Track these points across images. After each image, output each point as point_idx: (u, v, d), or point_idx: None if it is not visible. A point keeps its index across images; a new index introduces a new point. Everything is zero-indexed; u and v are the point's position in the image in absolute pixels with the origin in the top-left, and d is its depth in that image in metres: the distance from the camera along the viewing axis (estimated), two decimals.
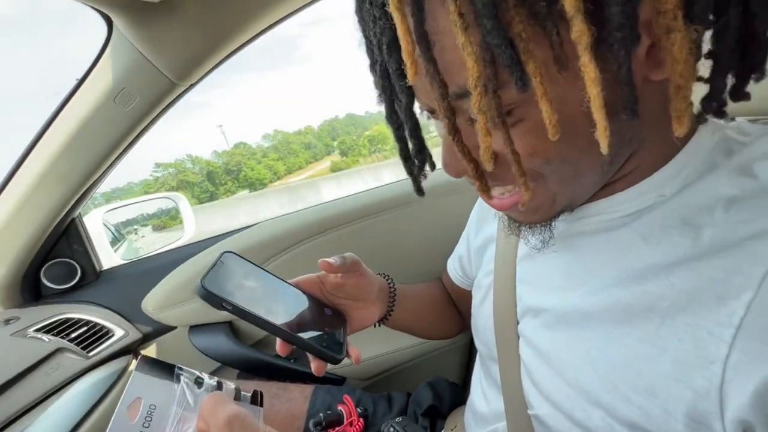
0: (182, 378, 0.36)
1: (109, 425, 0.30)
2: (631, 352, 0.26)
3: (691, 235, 0.26)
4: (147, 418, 0.32)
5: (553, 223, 0.32)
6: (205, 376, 0.38)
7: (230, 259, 0.42)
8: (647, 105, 0.22)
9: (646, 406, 0.25)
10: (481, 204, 0.54)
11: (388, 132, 0.30)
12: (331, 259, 0.44)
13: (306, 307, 0.43)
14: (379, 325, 0.53)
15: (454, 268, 0.62)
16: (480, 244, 0.50)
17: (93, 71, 0.57)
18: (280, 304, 0.41)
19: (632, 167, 0.29)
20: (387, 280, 0.55)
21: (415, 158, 0.30)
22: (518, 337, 0.37)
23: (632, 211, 0.29)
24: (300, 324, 0.40)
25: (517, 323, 0.38)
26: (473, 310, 0.48)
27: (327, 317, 0.44)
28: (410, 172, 0.31)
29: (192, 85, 0.62)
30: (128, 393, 0.32)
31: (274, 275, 0.44)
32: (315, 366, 0.40)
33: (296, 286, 0.45)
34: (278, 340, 0.39)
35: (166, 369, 0.36)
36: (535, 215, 0.31)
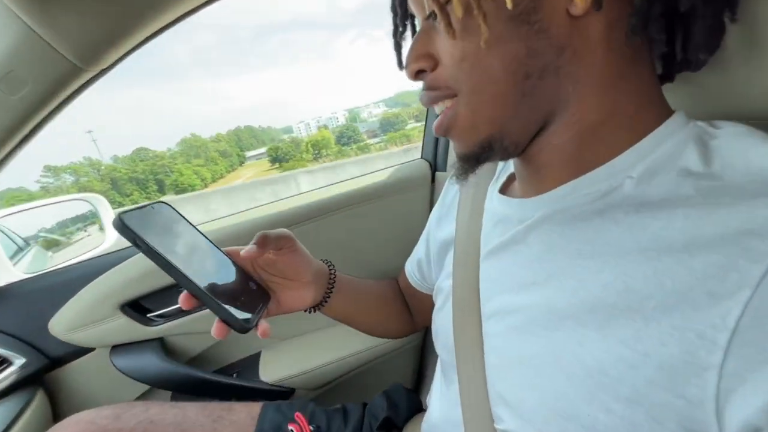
0: None
1: None
2: (610, 357, 0.24)
3: (664, 216, 0.25)
4: None
5: (485, 160, 0.32)
6: None
7: (163, 209, 0.40)
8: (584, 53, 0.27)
9: (630, 415, 0.23)
10: (440, 205, 0.52)
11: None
12: (256, 238, 0.43)
13: (229, 274, 0.42)
14: (314, 311, 0.51)
15: (412, 271, 0.60)
16: (440, 246, 0.49)
17: None
18: (202, 263, 0.39)
19: (586, 139, 0.29)
20: (329, 265, 0.53)
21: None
22: (482, 341, 0.35)
23: (601, 193, 0.28)
24: (215, 286, 0.38)
25: (481, 325, 0.36)
26: (434, 315, 0.46)
27: (249, 290, 0.42)
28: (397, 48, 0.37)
29: (104, 71, 0.52)
30: None
31: (208, 238, 0.42)
32: (216, 328, 0.38)
33: (227, 254, 0.43)
34: (183, 293, 0.37)
35: None
36: (466, 142, 0.32)
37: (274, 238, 0.44)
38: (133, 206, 0.37)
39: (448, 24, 0.27)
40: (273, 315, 0.45)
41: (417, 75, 0.32)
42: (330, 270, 0.52)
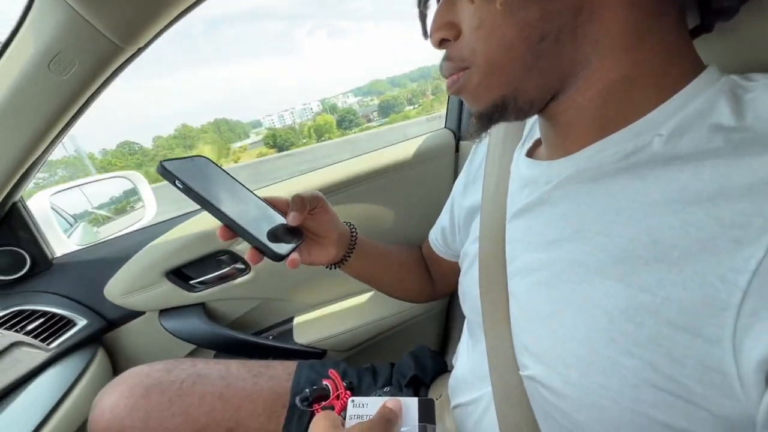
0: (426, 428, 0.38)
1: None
2: (632, 304, 0.25)
3: (692, 168, 0.25)
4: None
5: (499, 118, 0.33)
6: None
7: (203, 161, 0.44)
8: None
9: (650, 357, 0.24)
10: (466, 173, 0.53)
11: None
12: (295, 203, 0.47)
13: (265, 215, 0.45)
14: (334, 268, 0.57)
15: (435, 239, 0.62)
16: (467, 213, 0.50)
17: (19, 33, 0.49)
18: (239, 204, 0.43)
19: (607, 98, 0.29)
20: (351, 228, 0.58)
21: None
22: (508, 299, 0.37)
23: (627, 152, 0.28)
24: (251, 221, 0.42)
25: (507, 284, 0.37)
26: (461, 279, 0.48)
27: (284, 229, 0.46)
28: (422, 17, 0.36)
29: (141, 49, 0.55)
30: (405, 401, 0.39)
31: (245, 186, 0.47)
32: (249, 254, 0.43)
33: (265, 200, 0.48)
34: (221, 226, 0.41)
35: (432, 417, 0.39)
36: (479, 101, 0.32)
37: (309, 199, 0.49)
38: (175, 157, 0.40)
39: None
40: (302, 262, 0.49)
41: (441, 44, 0.33)
42: (352, 232, 0.58)
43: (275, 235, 0.43)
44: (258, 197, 0.47)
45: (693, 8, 0.31)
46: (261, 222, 0.43)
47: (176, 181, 0.37)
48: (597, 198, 0.30)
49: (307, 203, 0.48)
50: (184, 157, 0.42)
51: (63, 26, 0.47)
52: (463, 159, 0.87)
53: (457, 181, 0.57)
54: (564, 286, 0.30)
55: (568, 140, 0.33)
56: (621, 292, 0.26)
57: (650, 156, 0.27)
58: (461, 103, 0.88)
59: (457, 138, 0.89)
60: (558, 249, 0.32)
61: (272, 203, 0.48)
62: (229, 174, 0.46)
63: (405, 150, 0.85)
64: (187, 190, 0.38)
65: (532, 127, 0.44)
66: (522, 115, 0.33)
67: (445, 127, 0.92)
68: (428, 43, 0.34)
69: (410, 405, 0.39)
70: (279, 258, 0.42)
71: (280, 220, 0.46)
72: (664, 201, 0.25)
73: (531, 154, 0.41)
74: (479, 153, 0.51)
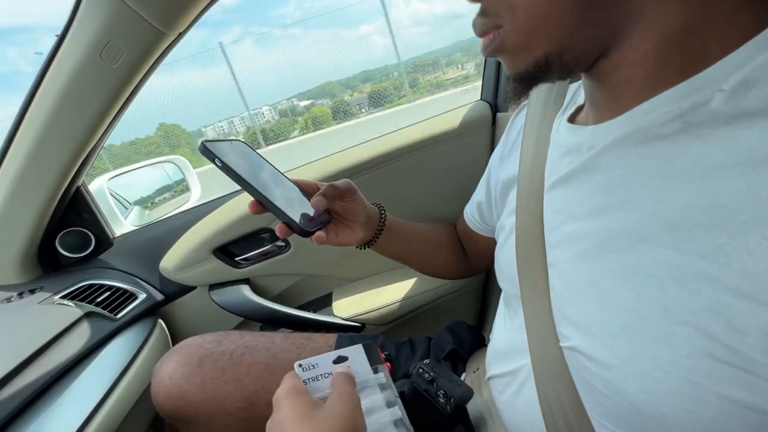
0: (379, 375, 0.41)
1: (318, 356, 0.39)
2: (687, 273, 0.24)
3: (759, 125, 0.22)
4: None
5: (541, 79, 0.30)
6: (389, 389, 0.42)
7: (240, 144, 0.47)
8: None
9: (707, 325, 0.23)
10: (503, 145, 0.52)
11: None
12: (326, 189, 0.49)
13: (296, 196, 0.48)
14: (365, 248, 0.58)
15: (472, 215, 0.61)
16: (503, 185, 0.49)
17: (72, 26, 0.52)
18: (271, 183, 0.46)
19: (665, 52, 0.26)
20: (380, 210, 0.59)
21: None
22: (546, 270, 0.36)
23: (683, 110, 0.25)
24: (283, 200, 0.44)
25: (545, 255, 0.36)
26: (497, 252, 0.48)
27: (313, 210, 0.48)
28: None
29: (181, 34, 0.57)
30: (345, 350, 0.40)
31: (278, 169, 0.50)
32: (279, 227, 0.45)
33: (296, 183, 0.50)
34: (251, 200, 0.43)
35: (377, 360, 0.42)
36: (519, 61, 0.29)
37: (342, 189, 0.50)
38: (215, 138, 0.44)
39: None
40: (329, 243, 0.51)
41: None
42: (381, 213, 0.58)
43: (304, 214, 0.45)
44: (289, 179, 0.50)
45: None
46: (291, 201, 0.46)
47: (216, 159, 0.40)
48: (647, 162, 0.27)
49: (337, 194, 0.50)
50: (224, 139, 0.45)
51: (111, 16, 0.50)
52: (500, 132, 0.84)
53: (493, 154, 0.55)
54: (610, 256, 0.29)
55: (617, 100, 0.30)
56: (675, 259, 0.25)
57: (710, 114, 0.24)
58: (498, 74, 0.84)
59: (494, 110, 0.86)
60: (603, 218, 0.30)
61: (302, 186, 0.51)
62: (263, 157, 0.49)
63: (439, 124, 0.84)
64: (225, 168, 0.40)
65: (576, 92, 0.41)
66: (566, 73, 0.30)
67: (481, 98, 0.89)
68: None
69: (357, 356, 0.40)
70: (305, 233, 0.44)
71: (308, 202, 0.49)
72: (730, 162, 0.23)
73: (573, 120, 0.38)
74: (517, 123, 0.49)
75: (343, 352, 0.40)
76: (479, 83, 0.92)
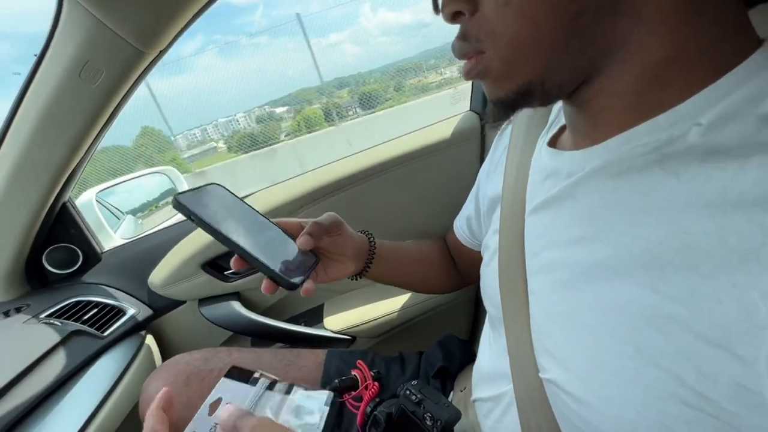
0: (258, 383, 0.40)
1: (192, 420, 0.35)
2: (659, 314, 0.23)
3: (734, 166, 0.22)
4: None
5: (523, 105, 0.30)
6: (278, 381, 0.41)
7: (216, 189, 0.44)
8: None
9: (677, 369, 0.22)
10: (490, 160, 0.51)
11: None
12: (311, 228, 0.47)
13: (279, 241, 0.45)
14: (357, 279, 0.57)
15: (461, 228, 0.60)
16: (489, 202, 0.48)
17: (50, 46, 0.52)
18: (252, 231, 0.43)
19: (650, 83, 0.25)
20: (368, 237, 0.57)
21: None
22: (527, 296, 0.35)
23: (660, 143, 0.25)
24: (265, 250, 0.42)
25: (527, 281, 0.36)
26: (481, 271, 0.47)
27: (298, 254, 0.45)
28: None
29: (162, 52, 0.56)
30: (212, 394, 0.37)
31: (258, 212, 0.46)
32: (265, 284, 0.42)
33: (278, 225, 0.47)
34: (234, 256, 0.41)
35: (248, 375, 0.40)
36: (500, 88, 0.29)
37: (327, 225, 0.48)
38: (188, 189, 0.41)
39: None
40: (320, 282, 0.49)
41: (454, 18, 0.29)
42: (370, 241, 0.56)
43: (289, 261, 0.43)
44: (271, 222, 0.47)
45: None
46: (275, 249, 0.43)
47: (191, 215, 0.38)
48: (623, 195, 0.27)
49: (323, 230, 0.47)
50: (198, 188, 0.42)
51: (89, 36, 0.49)
52: (489, 143, 0.84)
53: (482, 168, 0.55)
54: (586, 288, 0.28)
55: (597, 128, 0.30)
56: (647, 299, 0.24)
57: (685, 149, 0.24)
58: None
59: (483, 120, 0.85)
60: (581, 248, 0.30)
61: (285, 228, 0.48)
62: (242, 200, 0.46)
63: (427, 136, 0.83)
64: (202, 223, 0.38)
65: (559, 112, 0.41)
66: (548, 101, 0.30)
67: (470, 109, 0.89)
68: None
69: (227, 386, 0.38)
70: (292, 287, 0.41)
71: (293, 245, 0.46)
72: (701, 202, 0.23)
73: (554, 142, 0.38)
74: (504, 138, 0.49)
75: (214, 394, 0.38)
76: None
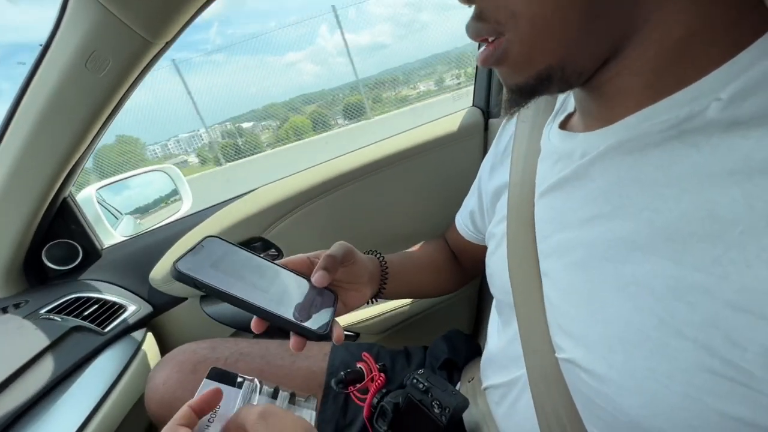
0: (244, 385, 0.39)
1: None
2: (683, 284, 0.23)
3: (757, 134, 0.22)
4: (211, 416, 0.35)
5: (541, 92, 0.29)
6: (265, 385, 0.40)
7: (212, 243, 0.40)
8: None
9: (704, 338, 0.22)
10: (493, 153, 0.51)
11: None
12: (325, 262, 0.43)
13: (293, 286, 0.42)
14: (374, 302, 0.55)
15: (464, 224, 0.60)
16: (493, 193, 0.48)
17: (57, 36, 0.51)
18: (263, 283, 0.39)
19: (668, 59, 0.25)
20: (378, 258, 0.56)
21: None
22: (540, 279, 0.35)
23: (680, 119, 0.25)
24: (282, 301, 0.39)
25: (538, 264, 0.36)
26: (487, 260, 0.47)
27: (316, 296, 0.42)
28: None
29: (168, 43, 0.56)
30: (196, 396, 0.35)
31: (260, 256, 0.43)
32: (293, 341, 0.39)
33: (284, 266, 0.44)
34: (254, 319, 0.39)
35: (231, 378, 0.39)
36: (520, 73, 0.29)
37: (339, 256, 0.45)
38: (184, 252, 0.37)
39: None
40: (340, 315, 0.46)
41: None
42: (382, 264, 0.55)
43: (308, 306, 0.40)
44: (277, 265, 0.43)
45: None
46: (290, 297, 0.40)
47: (197, 284, 0.35)
48: (643, 170, 0.27)
49: (337, 262, 0.44)
50: (194, 247, 0.38)
51: (96, 25, 0.49)
52: (492, 138, 0.84)
53: (483, 162, 0.55)
54: (605, 266, 0.28)
55: (612, 108, 0.29)
56: (670, 270, 0.24)
57: (706, 123, 0.24)
58: (489, 79, 0.85)
59: (486, 116, 0.86)
60: (597, 226, 0.30)
61: (293, 267, 0.44)
62: (241, 247, 0.43)
63: (430, 131, 0.83)
64: (211, 291, 0.35)
65: (566, 99, 0.41)
66: (567, 86, 0.29)
67: (472, 105, 0.89)
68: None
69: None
70: (322, 338, 0.38)
71: (304, 284, 0.43)
72: (725, 171, 0.23)
73: (564, 126, 0.38)
74: (507, 131, 0.49)
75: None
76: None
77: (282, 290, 0.40)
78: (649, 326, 0.25)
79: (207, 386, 0.37)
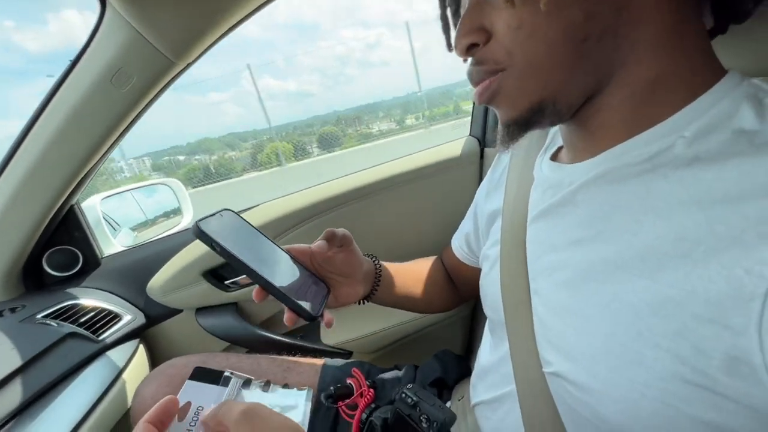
0: (230, 382, 0.39)
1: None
2: (658, 299, 0.26)
3: (716, 168, 0.25)
4: (194, 419, 0.34)
5: (534, 124, 0.32)
6: (253, 379, 0.41)
7: (229, 215, 0.44)
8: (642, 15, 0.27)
9: (676, 348, 0.24)
10: (489, 180, 0.55)
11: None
12: (325, 234, 0.48)
13: (293, 271, 0.46)
14: (364, 303, 0.57)
15: (459, 246, 0.62)
16: (488, 217, 0.51)
17: (87, 52, 0.55)
18: (268, 260, 0.43)
19: (643, 99, 0.29)
20: (373, 260, 0.58)
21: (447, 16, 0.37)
22: (530, 296, 0.37)
23: (651, 154, 0.29)
24: (285, 282, 0.42)
25: (528, 283, 0.38)
26: (481, 281, 0.49)
27: (311, 284, 0.46)
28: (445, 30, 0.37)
29: (189, 64, 0.60)
30: (180, 398, 0.34)
31: (268, 238, 0.47)
32: (287, 317, 0.43)
33: (287, 252, 0.48)
34: (256, 287, 0.42)
35: (216, 375, 0.39)
36: (514, 106, 0.32)
37: (339, 235, 0.50)
38: (206, 215, 0.40)
39: None
40: (331, 308, 0.50)
41: (469, 50, 0.32)
42: (376, 266, 0.58)
43: (304, 290, 0.44)
44: (280, 248, 0.47)
45: (707, 11, 0.32)
46: (290, 277, 0.44)
47: (214, 245, 0.37)
48: (622, 198, 0.30)
49: (337, 238, 0.49)
50: (215, 213, 0.41)
51: (125, 45, 0.53)
52: (487, 166, 0.88)
53: (480, 187, 0.58)
54: (589, 285, 0.31)
55: (595, 142, 0.33)
56: (648, 287, 0.27)
57: (673, 157, 0.28)
58: (486, 111, 0.90)
59: (482, 145, 0.90)
60: (582, 248, 0.32)
61: (293, 253, 0.48)
62: (253, 226, 0.46)
63: (429, 157, 0.87)
64: (225, 254, 0.37)
65: (555, 134, 0.45)
66: (558, 119, 0.33)
67: (470, 134, 0.94)
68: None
69: (192, 389, 0.36)
70: (313, 319, 0.42)
71: (302, 271, 0.47)
72: (692, 200, 0.26)
73: (554, 158, 0.42)
74: (503, 161, 0.53)
75: (181, 399, 0.34)
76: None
77: (284, 271, 0.44)
78: (628, 339, 0.27)
79: (189, 387, 0.36)
